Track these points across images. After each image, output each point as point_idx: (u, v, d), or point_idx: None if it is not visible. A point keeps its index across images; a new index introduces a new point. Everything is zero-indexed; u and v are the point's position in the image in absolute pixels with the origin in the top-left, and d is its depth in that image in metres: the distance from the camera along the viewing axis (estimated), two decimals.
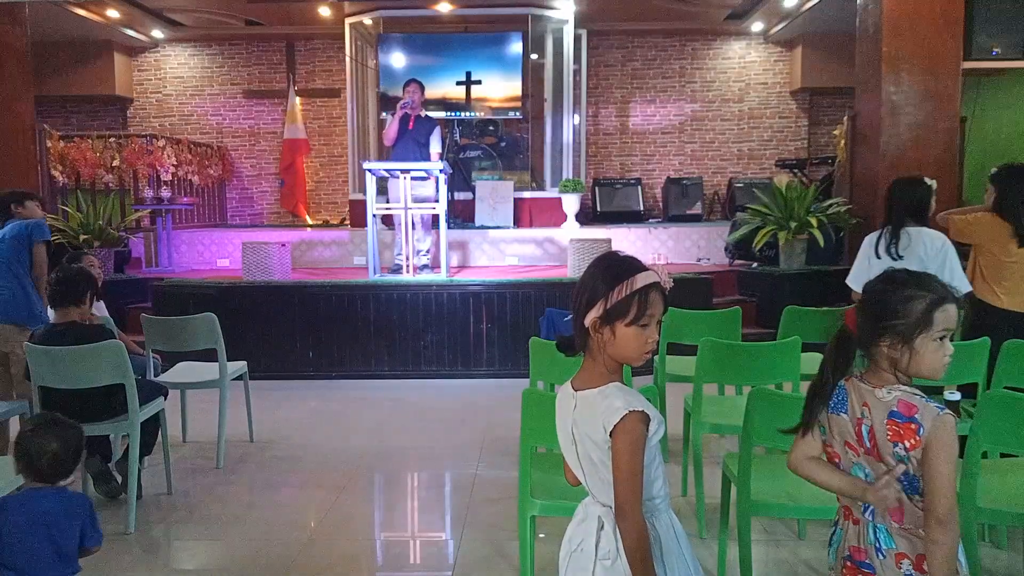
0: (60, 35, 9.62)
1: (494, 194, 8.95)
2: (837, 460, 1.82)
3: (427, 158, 6.99)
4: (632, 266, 1.64)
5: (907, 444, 1.67)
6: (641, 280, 1.60)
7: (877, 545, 1.73)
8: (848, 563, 1.78)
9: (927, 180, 3.85)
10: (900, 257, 3.65)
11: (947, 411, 1.67)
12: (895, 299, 1.72)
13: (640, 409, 1.58)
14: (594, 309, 1.62)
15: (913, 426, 1.67)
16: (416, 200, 6.80)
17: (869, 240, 3.86)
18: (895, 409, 1.69)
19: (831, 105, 10.71)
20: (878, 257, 3.74)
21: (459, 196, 8.96)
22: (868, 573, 1.74)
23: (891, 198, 3.84)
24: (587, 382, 1.67)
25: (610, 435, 1.58)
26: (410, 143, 7.10)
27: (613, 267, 1.65)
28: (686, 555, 1.69)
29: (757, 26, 10.26)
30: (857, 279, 3.83)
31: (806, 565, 3.12)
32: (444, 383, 6.24)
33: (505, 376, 6.25)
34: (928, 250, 3.66)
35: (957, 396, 2.95)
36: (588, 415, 1.64)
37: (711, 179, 10.81)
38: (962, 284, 3.67)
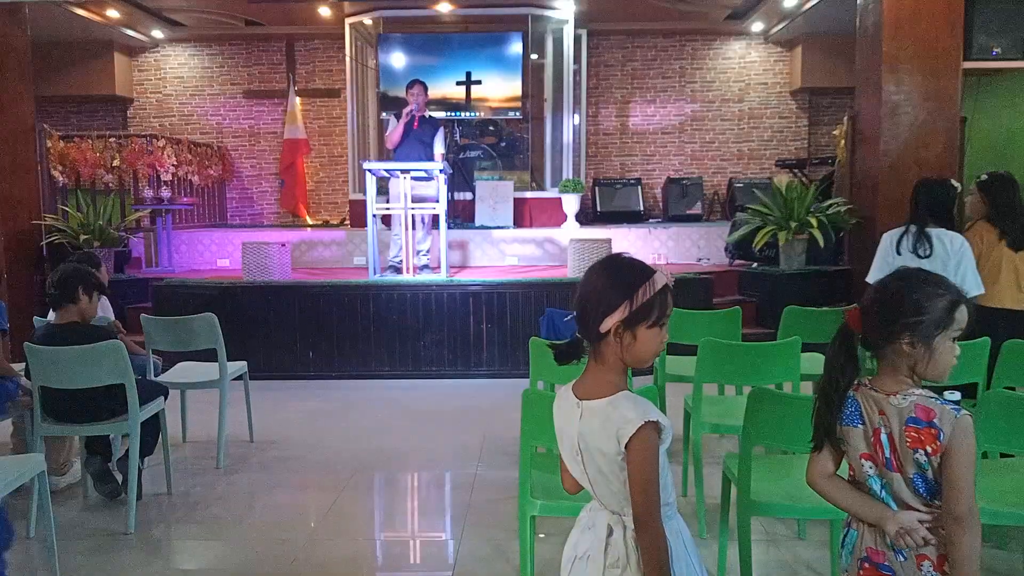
0: (60, 35, 9.61)
1: (494, 194, 8.95)
2: (851, 473, 1.80)
3: (431, 158, 7.00)
4: (647, 267, 1.63)
5: (928, 449, 1.65)
6: (659, 281, 1.60)
7: (896, 547, 1.71)
8: (866, 564, 1.75)
9: (953, 182, 3.92)
10: (926, 257, 3.70)
11: (964, 412, 1.66)
12: (917, 296, 1.69)
13: (655, 419, 1.57)
14: (616, 313, 1.59)
15: (933, 431, 1.65)
16: (416, 200, 6.80)
17: (890, 238, 3.90)
18: (913, 415, 1.67)
19: (831, 105, 10.71)
20: (899, 254, 3.80)
21: (459, 196, 8.96)
22: (887, 575, 1.72)
23: (916, 198, 3.90)
24: (593, 391, 1.64)
25: (625, 447, 1.56)
26: (414, 143, 7.11)
27: (630, 270, 1.63)
28: (693, 561, 1.68)
29: (757, 26, 10.26)
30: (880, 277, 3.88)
31: (806, 565, 3.12)
32: (444, 383, 6.24)
33: (505, 376, 6.24)
34: (948, 251, 3.72)
35: (957, 396, 2.95)
36: (598, 427, 1.61)
37: (711, 179, 10.81)
38: (976, 286, 3.71)
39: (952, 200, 3.88)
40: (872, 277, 3.93)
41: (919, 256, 3.71)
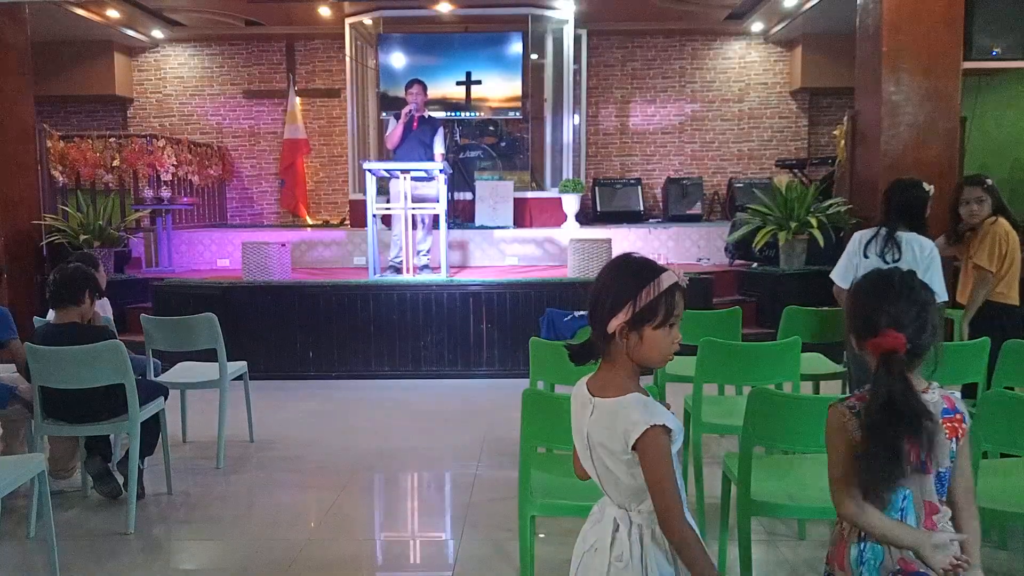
0: (60, 35, 9.61)
1: (494, 194, 8.95)
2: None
3: (431, 158, 7.00)
4: (654, 267, 1.63)
5: (958, 436, 1.70)
6: (666, 281, 1.60)
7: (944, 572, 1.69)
8: None
9: (925, 184, 3.83)
10: (894, 262, 3.62)
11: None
12: (928, 296, 1.76)
13: (661, 423, 1.57)
14: (621, 313, 1.59)
15: (959, 416, 1.70)
16: (417, 200, 6.80)
17: (859, 239, 3.82)
18: (945, 407, 1.71)
19: (831, 105, 10.71)
20: (866, 257, 3.72)
21: (459, 196, 8.96)
22: None
23: (887, 200, 3.82)
24: (605, 390, 1.65)
25: (633, 448, 1.57)
26: (414, 143, 7.10)
27: (636, 270, 1.63)
28: None
29: (757, 26, 10.26)
30: (844, 276, 3.80)
31: (806, 565, 3.11)
32: (444, 383, 6.24)
33: (505, 376, 6.24)
34: (917, 256, 3.64)
35: (958, 395, 2.95)
36: (605, 425, 1.62)
37: (711, 179, 10.81)
38: (942, 293, 3.67)
39: (924, 203, 3.78)
40: (836, 275, 3.86)
41: (886, 261, 3.61)
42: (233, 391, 4.57)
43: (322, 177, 11.04)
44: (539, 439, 2.71)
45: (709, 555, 1.58)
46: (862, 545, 1.75)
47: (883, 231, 3.73)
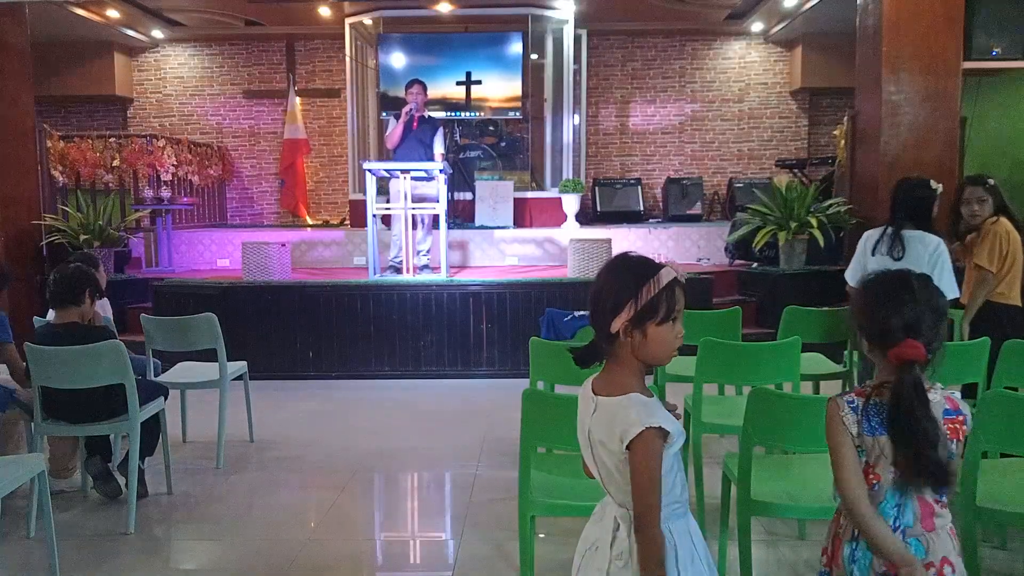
0: (60, 35, 9.61)
1: (494, 194, 8.95)
2: (878, 481, 1.74)
3: (431, 158, 7.00)
4: (652, 265, 1.64)
5: (959, 438, 1.71)
6: (665, 277, 1.61)
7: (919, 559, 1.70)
8: None
9: (932, 183, 3.84)
10: (899, 259, 3.65)
11: None
12: (946, 302, 1.78)
13: (658, 425, 1.57)
14: (623, 313, 1.60)
15: (960, 418, 1.72)
16: (417, 200, 6.80)
17: (867, 238, 3.86)
18: (947, 407, 1.72)
19: (831, 105, 10.71)
20: (872, 255, 3.75)
21: (459, 196, 8.97)
22: None
23: (894, 198, 3.84)
24: (608, 388, 1.66)
25: (627, 448, 1.58)
26: (414, 143, 7.11)
27: (634, 268, 1.64)
28: (702, 560, 1.68)
29: (757, 26, 10.27)
30: (855, 276, 3.81)
31: (806, 565, 3.11)
32: (444, 383, 6.24)
33: (505, 376, 6.24)
34: (923, 254, 3.65)
35: (958, 395, 2.95)
36: (605, 423, 1.63)
37: (711, 179, 10.81)
38: (951, 290, 3.66)
39: (931, 201, 3.79)
40: (849, 275, 3.90)
41: (893, 258, 3.64)
42: (233, 391, 4.57)
43: (322, 177, 11.04)
44: (539, 439, 2.71)
45: (666, 568, 1.58)
46: (854, 544, 1.78)
47: (889, 230, 3.76)
